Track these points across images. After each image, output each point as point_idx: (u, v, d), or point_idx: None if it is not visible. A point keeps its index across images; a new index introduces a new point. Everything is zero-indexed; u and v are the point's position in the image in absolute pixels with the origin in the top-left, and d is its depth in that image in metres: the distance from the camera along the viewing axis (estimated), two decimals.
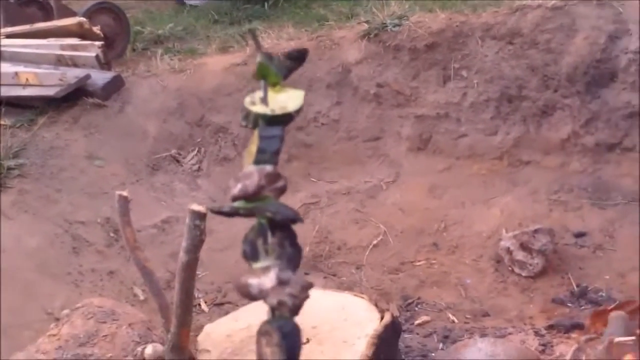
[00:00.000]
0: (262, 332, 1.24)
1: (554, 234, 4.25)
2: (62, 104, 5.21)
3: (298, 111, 1.40)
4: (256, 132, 1.36)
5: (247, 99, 1.38)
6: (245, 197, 1.31)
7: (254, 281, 1.25)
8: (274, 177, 1.32)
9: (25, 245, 4.14)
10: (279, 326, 1.21)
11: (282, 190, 1.34)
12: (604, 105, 4.82)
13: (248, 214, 1.32)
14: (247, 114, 1.38)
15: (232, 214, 1.34)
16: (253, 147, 1.34)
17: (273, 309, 1.25)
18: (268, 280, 1.24)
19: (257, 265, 1.28)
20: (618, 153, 4.76)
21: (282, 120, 1.37)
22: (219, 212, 1.37)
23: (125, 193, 2.95)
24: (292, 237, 1.31)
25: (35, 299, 3.85)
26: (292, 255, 1.28)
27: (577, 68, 4.87)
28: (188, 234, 2.58)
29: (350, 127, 5.27)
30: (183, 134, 5.27)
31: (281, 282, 1.24)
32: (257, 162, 1.33)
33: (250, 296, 1.26)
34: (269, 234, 1.30)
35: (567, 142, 4.87)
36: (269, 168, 1.32)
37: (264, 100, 1.37)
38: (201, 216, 2.54)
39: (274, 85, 1.40)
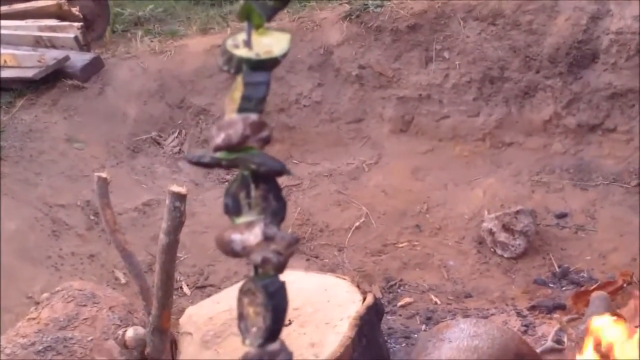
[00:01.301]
0: (244, 291, 1.19)
1: (536, 215, 4.26)
2: (41, 85, 5.14)
3: (284, 55, 1.32)
4: (239, 78, 1.28)
5: (229, 42, 1.29)
6: (229, 147, 1.25)
7: (237, 237, 1.19)
8: (259, 126, 1.24)
9: (4, 229, 4.08)
10: (264, 285, 1.16)
11: (267, 141, 1.26)
12: (585, 86, 4.82)
13: (230, 165, 1.25)
14: (230, 58, 1.29)
15: (213, 164, 1.28)
16: (236, 94, 1.26)
17: (256, 267, 1.20)
18: (252, 236, 1.18)
19: (240, 219, 1.23)
20: (600, 134, 4.77)
21: (268, 65, 1.29)
22: (199, 163, 1.30)
23: (104, 175, 2.91)
24: (276, 190, 1.25)
25: (14, 283, 3.80)
26: (276, 210, 1.23)
27: (559, 49, 4.86)
28: (168, 216, 2.55)
29: (333, 109, 5.24)
30: (164, 116, 5.22)
31: (267, 238, 1.19)
32: (242, 110, 1.25)
33: (232, 253, 1.21)
34: (252, 187, 1.24)
35: (549, 124, 4.87)
36: (253, 117, 1.24)
37: (248, 43, 1.27)
38: (181, 198, 2.51)
39: (257, 27, 1.29)
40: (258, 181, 1.24)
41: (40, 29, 5.61)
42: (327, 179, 4.86)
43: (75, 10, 5.91)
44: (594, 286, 3.60)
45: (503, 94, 4.99)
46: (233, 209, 1.24)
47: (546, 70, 4.91)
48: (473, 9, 5.10)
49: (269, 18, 1.31)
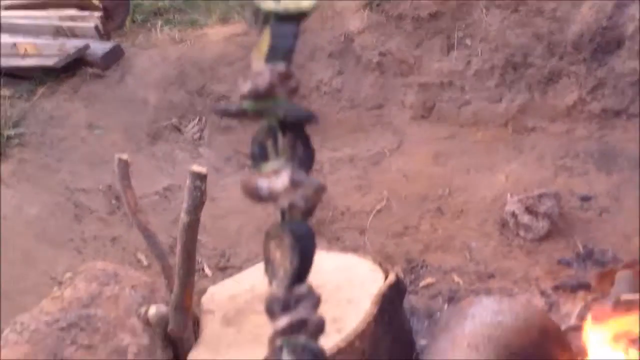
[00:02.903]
0: (271, 236, 1.18)
1: (560, 197, 4.21)
2: (62, 74, 5.17)
3: (313, 9, 1.30)
4: (267, 30, 1.28)
5: None
6: (255, 96, 1.24)
7: (263, 182, 1.18)
8: (287, 75, 1.23)
9: (26, 214, 4.11)
10: (291, 228, 1.16)
11: (294, 90, 1.26)
12: (610, 72, 4.77)
13: (257, 114, 1.25)
14: (256, 12, 1.29)
15: (239, 114, 1.27)
16: (264, 45, 1.25)
17: (283, 212, 1.19)
18: (279, 182, 1.18)
19: (267, 166, 1.22)
20: (624, 119, 4.72)
21: (296, 17, 1.29)
22: (225, 113, 1.30)
23: (125, 156, 2.92)
24: (304, 138, 1.24)
25: (37, 265, 3.83)
26: (304, 157, 1.22)
27: (583, 35, 4.82)
28: (189, 195, 2.56)
29: (353, 95, 5.22)
30: (184, 103, 5.22)
31: (294, 184, 1.18)
32: (269, 59, 1.25)
33: (258, 198, 1.19)
34: (280, 136, 1.23)
35: (573, 109, 4.82)
36: (281, 66, 1.24)
37: None
38: (201, 177, 2.53)
39: None
40: (285, 130, 1.22)
41: (61, 18, 5.64)
42: (348, 164, 4.84)
43: (95, 0, 5.93)
44: (619, 266, 3.55)
45: (526, 80, 4.95)
46: (259, 156, 1.23)
47: (570, 56, 4.86)
48: None
49: None
